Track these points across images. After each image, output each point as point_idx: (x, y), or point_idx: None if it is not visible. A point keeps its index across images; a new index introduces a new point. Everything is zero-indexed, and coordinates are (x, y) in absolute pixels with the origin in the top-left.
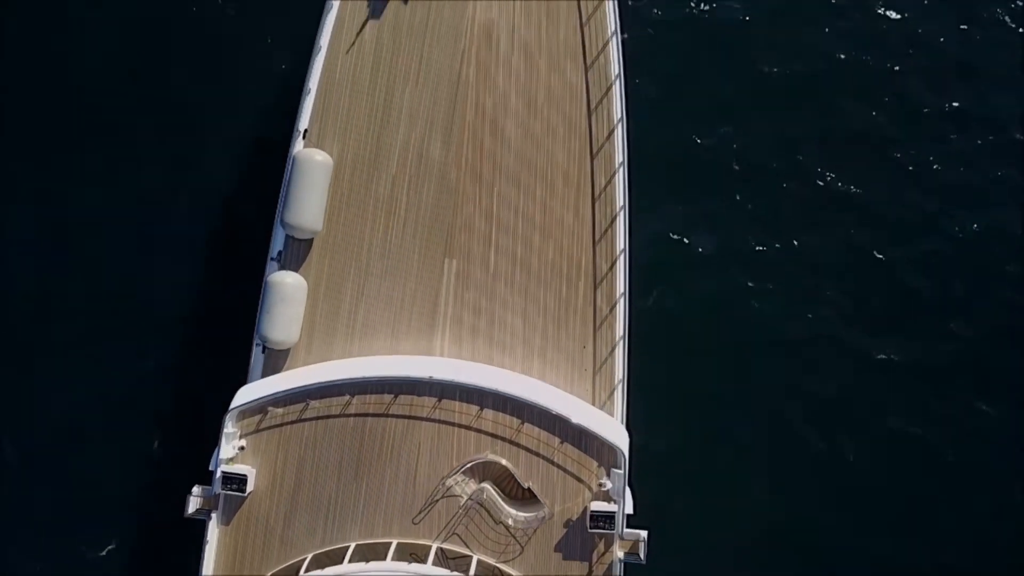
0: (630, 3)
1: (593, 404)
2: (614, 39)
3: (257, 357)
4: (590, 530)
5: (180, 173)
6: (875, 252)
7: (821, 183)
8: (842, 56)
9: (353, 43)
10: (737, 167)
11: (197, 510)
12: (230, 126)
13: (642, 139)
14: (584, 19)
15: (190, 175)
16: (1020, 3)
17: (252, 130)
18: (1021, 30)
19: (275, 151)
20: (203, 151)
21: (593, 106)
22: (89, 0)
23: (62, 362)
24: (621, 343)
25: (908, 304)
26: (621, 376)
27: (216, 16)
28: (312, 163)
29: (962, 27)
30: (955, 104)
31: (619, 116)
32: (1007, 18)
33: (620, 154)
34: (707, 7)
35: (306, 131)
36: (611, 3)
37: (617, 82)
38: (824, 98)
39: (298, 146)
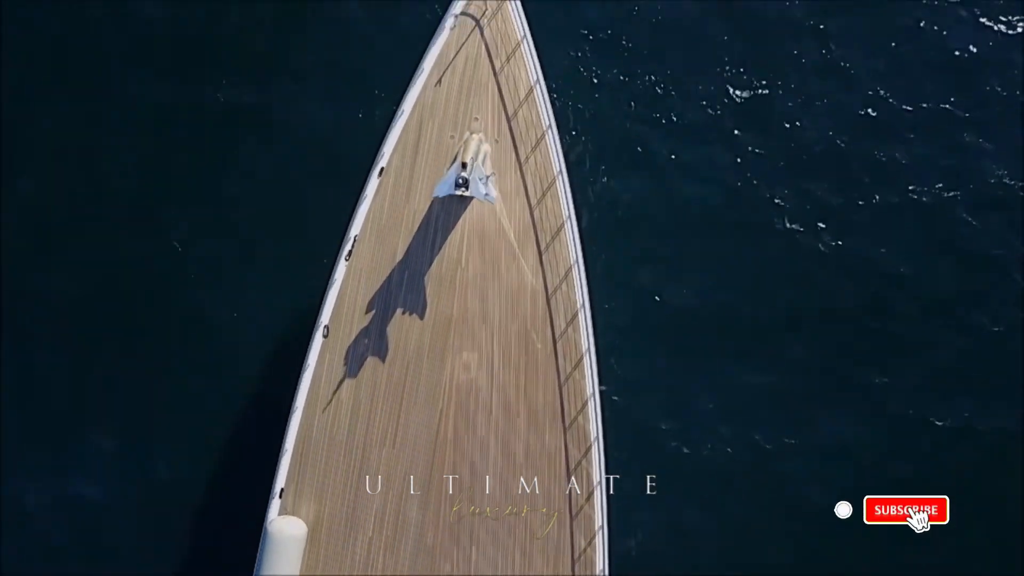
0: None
1: None
2: (592, 400)
3: None
4: None
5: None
6: None
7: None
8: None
9: (330, 401)
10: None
11: None
12: (203, 493)
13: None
14: (563, 379)
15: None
16: None
17: (227, 495)
18: None
19: (250, 517)
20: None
21: (572, 467)
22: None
23: None
24: None
25: None
26: None
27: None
28: (285, 538)
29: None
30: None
31: (598, 479)
32: None
33: (600, 517)
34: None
35: (282, 491)
36: (589, 360)
37: (596, 444)
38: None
39: (272, 513)
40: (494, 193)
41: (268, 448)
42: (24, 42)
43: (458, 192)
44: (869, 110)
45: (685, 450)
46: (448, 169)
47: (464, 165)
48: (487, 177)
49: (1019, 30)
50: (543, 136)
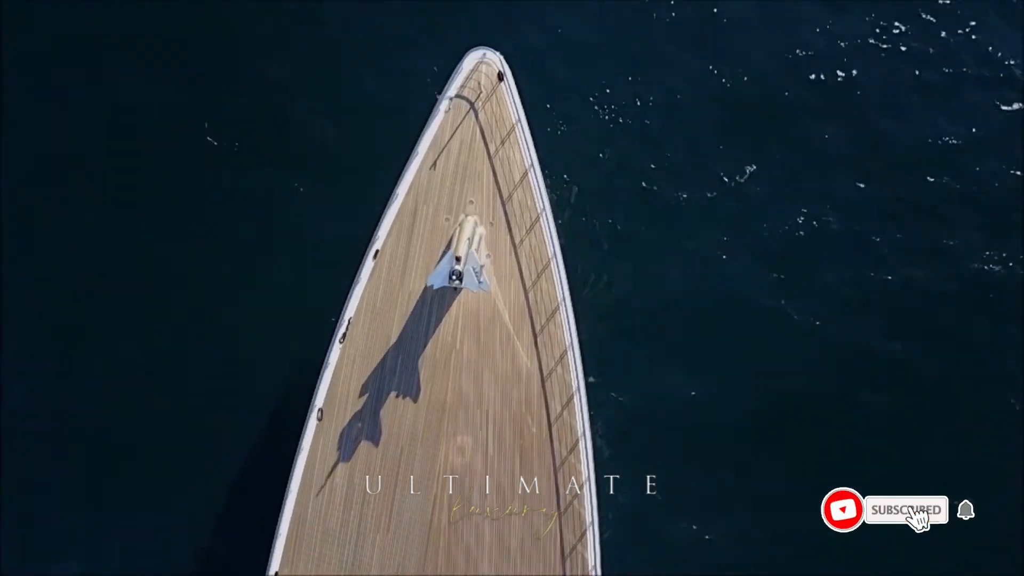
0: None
1: None
2: (588, 485)
3: None
4: None
5: None
6: None
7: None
8: None
9: (323, 486)
10: None
11: None
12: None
13: None
14: (558, 464)
15: None
16: None
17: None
18: None
19: None
20: None
21: (568, 551)
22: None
23: None
24: None
25: None
26: None
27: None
28: None
29: None
30: None
31: (593, 563)
32: None
33: None
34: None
35: (276, 575)
36: (584, 445)
37: (591, 529)
38: None
39: None
40: (488, 282)
41: (262, 532)
42: (26, 121)
43: (452, 285)
44: (862, 185)
45: (693, 527)
46: (442, 258)
47: (458, 259)
48: (481, 267)
49: (1015, 108)
50: (537, 219)
